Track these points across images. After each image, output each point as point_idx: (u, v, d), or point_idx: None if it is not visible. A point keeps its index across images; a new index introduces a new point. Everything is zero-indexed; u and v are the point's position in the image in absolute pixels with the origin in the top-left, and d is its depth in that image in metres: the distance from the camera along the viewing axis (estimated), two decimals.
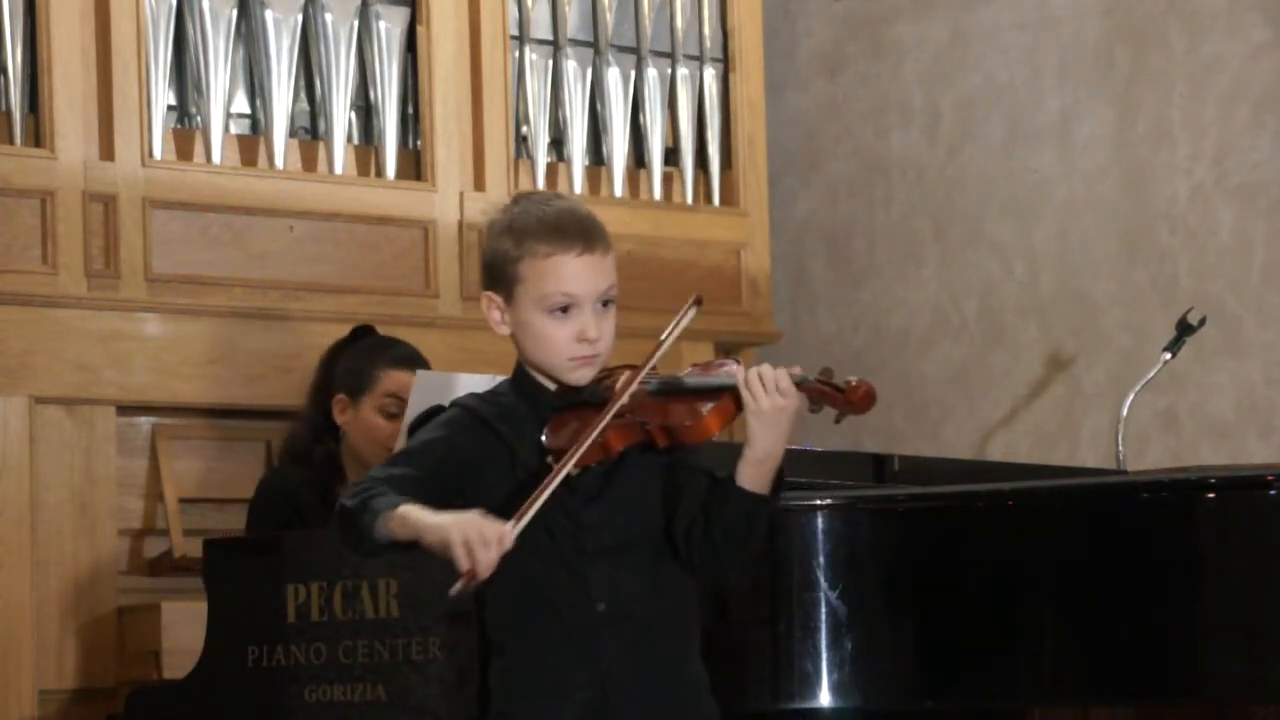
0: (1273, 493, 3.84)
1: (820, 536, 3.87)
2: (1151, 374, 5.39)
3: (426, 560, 3.89)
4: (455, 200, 6.23)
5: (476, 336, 6.12)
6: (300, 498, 4.67)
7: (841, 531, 3.91)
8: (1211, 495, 3.90)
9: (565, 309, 3.10)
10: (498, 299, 3.16)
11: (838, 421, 3.06)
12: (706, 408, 3.05)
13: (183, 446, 5.77)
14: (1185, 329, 5.40)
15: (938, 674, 3.94)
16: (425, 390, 4.21)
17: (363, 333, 4.93)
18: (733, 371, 3.07)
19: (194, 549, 5.10)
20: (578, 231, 3.11)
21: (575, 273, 3.10)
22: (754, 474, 3.05)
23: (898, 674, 3.93)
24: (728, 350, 6.65)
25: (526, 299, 3.12)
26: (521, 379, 3.19)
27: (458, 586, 2.95)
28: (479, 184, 6.28)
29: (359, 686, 4.01)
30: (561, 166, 6.57)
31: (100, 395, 5.60)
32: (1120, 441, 5.34)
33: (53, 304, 5.55)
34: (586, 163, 6.58)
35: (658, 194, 6.71)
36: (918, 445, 6.77)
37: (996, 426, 6.73)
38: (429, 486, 3.10)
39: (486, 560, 2.92)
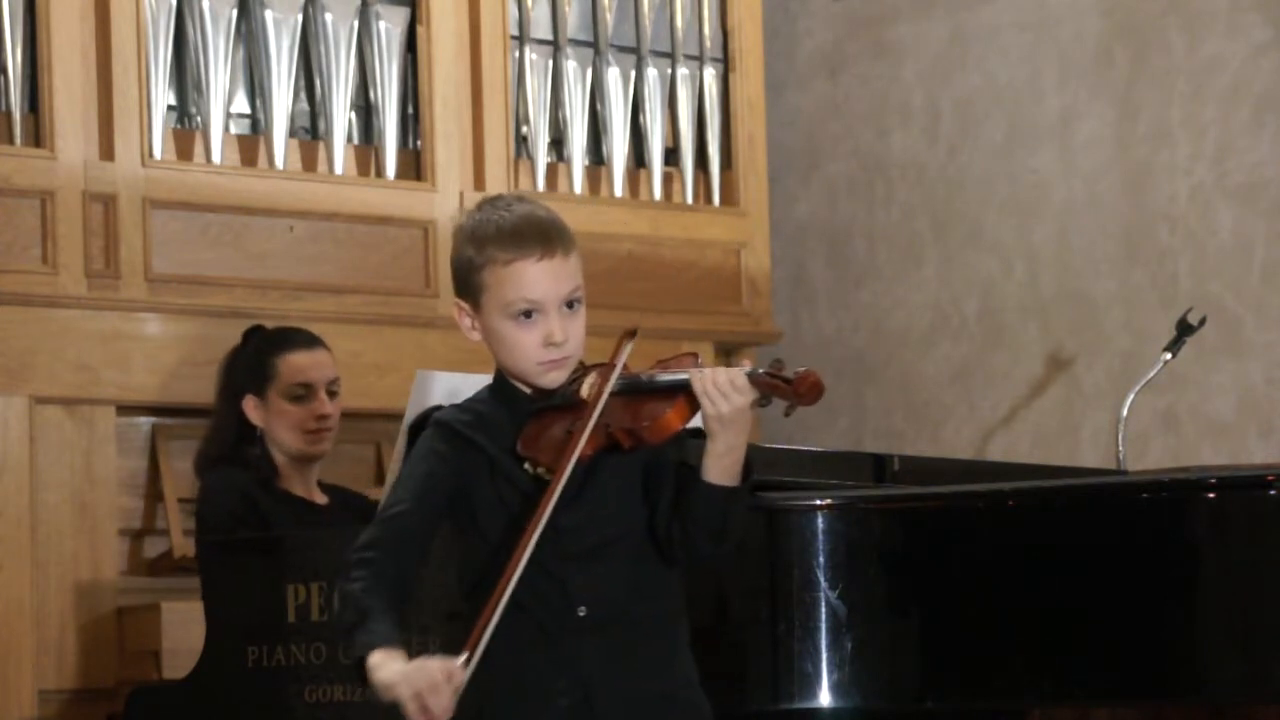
0: (1273, 493, 3.84)
1: (820, 536, 3.87)
2: (1151, 374, 5.39)
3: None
4: (455, 200, 6.23)
5: None
6: (250, 491, 4.68)
7: (841, 531, 3.90)
8: (1211, 495, 3.90)
9: (530, 314, 3.10)
10: (466, 306, 3.17)
11: (787, 414, 3.05)
12: (665, 407, 3.04)
13: (183, 446, 5.76)
14: (1185, 329, 5.40)
15: (938, 674, 3.94)
16: (425, 390, 4.20)
17: (254, 333, 4.97)
18: (689, 368, 3.06)
19: (194, 549, 5.10)
20: (536, 236, 3.10)
21: (536, 279, 3.09)
22: (718, 467, 3.04)
23: (898, 674, 3.93)
24: (728, 351, 6.66)
25: (492, 306, 3.12)
26: (500, 385, 3.20)
27: None
28: (479, 184, 6.28)
29: (359, 686, 4.01)
30: (561, 166, 6.57)
31: (100, 395, 5.60)
32: (1120, 441, 5.34)
33: (53, 304, 5.55)
34: (586, 163, 6.58)
35: (658, 194, 6.71)
36: (918, 445, 6.78)
37: (996, 426, 6.73)
38: (422, 519, 3.12)
39: (441, 705, 2.91)
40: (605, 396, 3.06)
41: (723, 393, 3.00)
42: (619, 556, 3.11)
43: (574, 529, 3.07)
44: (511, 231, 3.10)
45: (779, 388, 3.00)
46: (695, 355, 3.12)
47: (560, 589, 3.07)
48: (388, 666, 2.98)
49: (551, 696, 3.07)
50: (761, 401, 3.03)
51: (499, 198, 3.23)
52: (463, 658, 2.96)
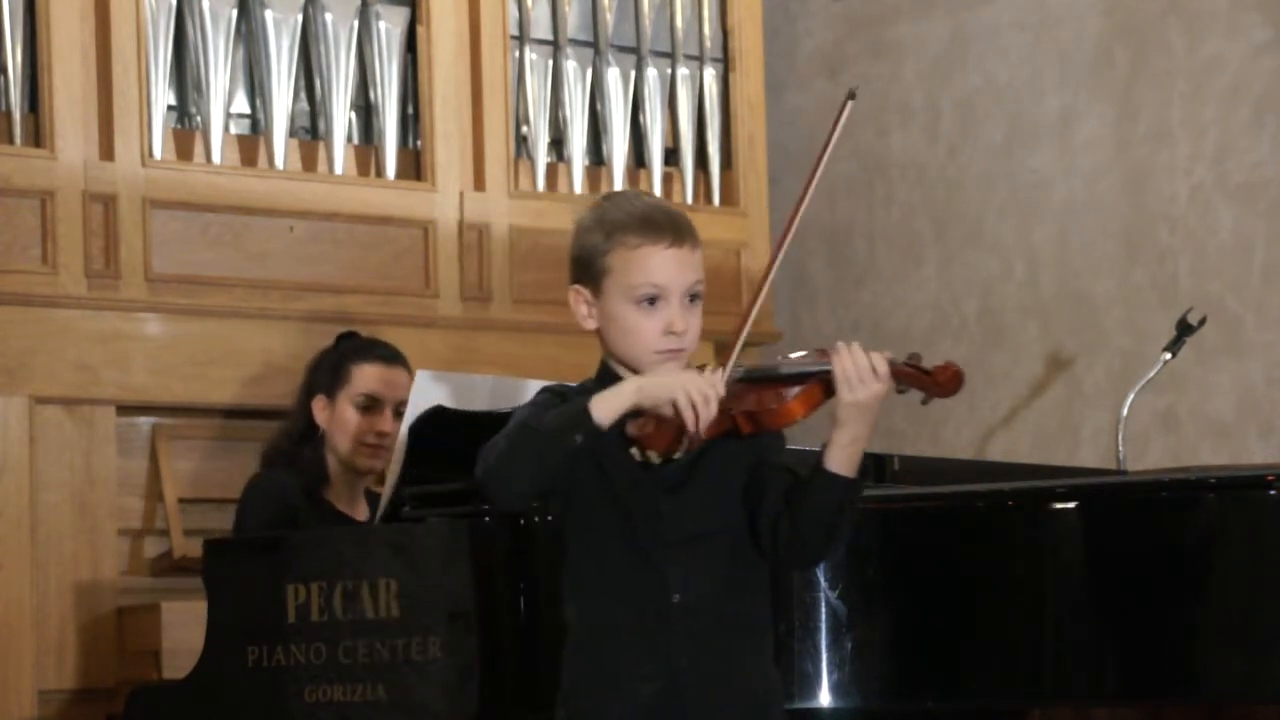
0: (1273, 493, 3.84)
1: None
2: (1151, 374, 5.39)
3: (426, 560, 3.91)
4: (455, 200, 6.23)
5: (476, 336, 6.13)
6: (292, 499, 4.68)
7: None
8: (1211, 495, 3.90)
9: (653, 300, 3.12)
10: (585, 293, 3.18)
11: (924, 403, 3.08)
12: (792, 392, 3.07)
13: (183, 446, 5.77)
14: (1185, 329, 5.39)
15: (938, 674, 3.94)
16: (425, 390, 4.20)
17: (347, 337, 4.97)
18: (823, 360, 3.07)
19: (194, 549, 5.10)
20: (668, 225, 3.15)
21: (663, 264, 3.13)
22: (842, 457, 3.07)
23: (898, 674, 3.93)
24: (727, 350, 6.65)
25: (615, 290, 3.14)
26: (606, 375, 3.20)
27: (685, 445, 3.01)
28: (479, 184, 6.28)
29: (359, 686, 4.01)
30: (561, 166, 6.57)
31: (100, 395, 5.60)
32: (1120, 441, 5.33)
33: (53, 304, 5.55)
34: (586, 163, 6.58)
35: (658, 194, 6.70)
36: (918, 445, 6.77)
37: (996, 426, 6.73)
38: None
39: (708, 415, 2.99)
40: (732, 363, 3.08)
41: (862, 378, 3.03)
42: (717, 550, 3.13)
43: (675, 516, 3.11)
44: (643, 218, 3.15)
45: (919, 378, 3.04)
46: (828, 350, 3.12)
47: (657, 574, 3.10)
48: (639, 378, 3.05)
49: (639, 682, 3.09)
50: (900, 388, 3.06)
51: (623, 191, 3.31)
52: (719, 373, 3.03)
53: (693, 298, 3.15)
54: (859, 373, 3.03)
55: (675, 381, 3.02)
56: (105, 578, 5.55)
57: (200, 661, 4.36)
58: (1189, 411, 6.27)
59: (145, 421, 5.76)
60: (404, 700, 3.95)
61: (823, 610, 3.87)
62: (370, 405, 4.77)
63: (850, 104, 3.13)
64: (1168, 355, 5.40)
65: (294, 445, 4.80)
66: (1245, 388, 6.17)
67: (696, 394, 2.99)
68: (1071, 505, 3.98)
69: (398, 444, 4.22)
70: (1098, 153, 6.54)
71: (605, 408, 3.03)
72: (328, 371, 4.84)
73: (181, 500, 5.66)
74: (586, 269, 3.17)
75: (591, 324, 3.19)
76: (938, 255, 6.93)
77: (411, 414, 4.17)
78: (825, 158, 3.13)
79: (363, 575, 4.02)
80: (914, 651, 3.93)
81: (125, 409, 5.68)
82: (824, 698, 3.87)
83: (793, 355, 3.17)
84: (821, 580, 3.88)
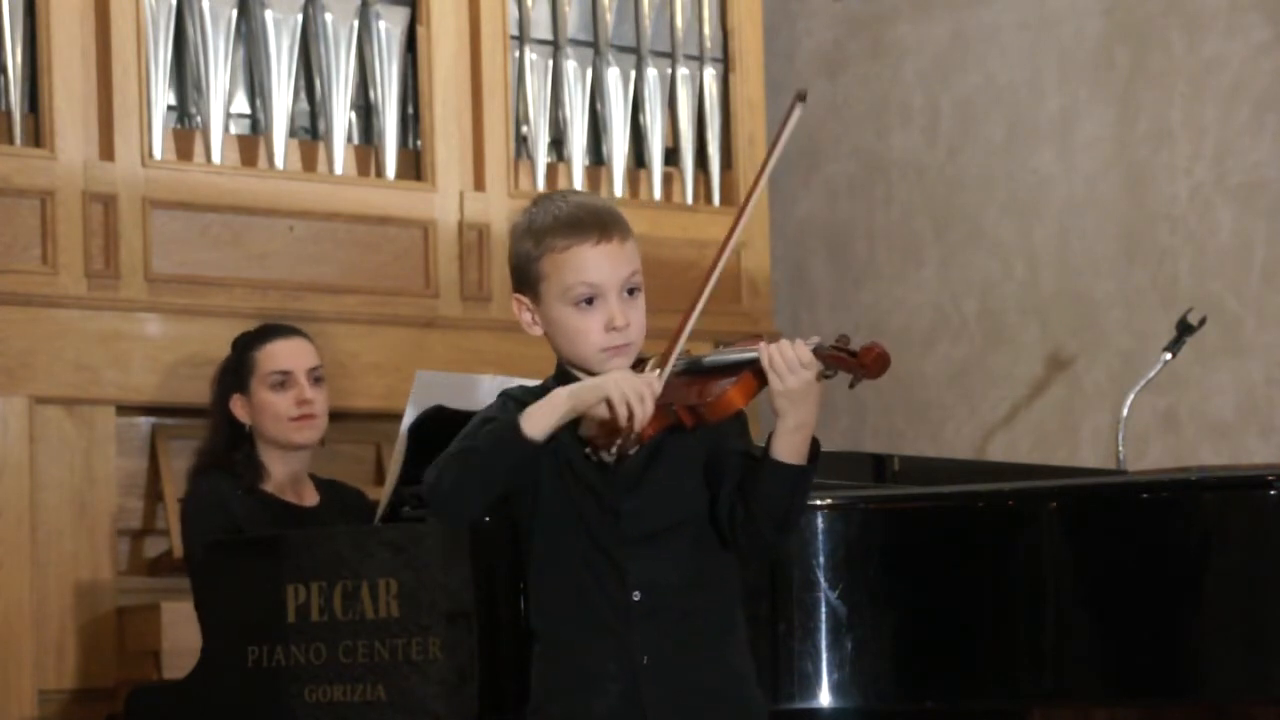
0: (1273, 493, 3.84)
1: (820, 536, 3.86)
2: (1151, 374, 5.39)
3: (426, 560, 3.91)
4: (455, 200, 6.23)
5: (476, 336, 6.13)
6: (233, 503, 4.63)
7: (841, 531, 3.90)
8: (1211, 495, 3.90)
9: (590, 300, 3.11)
10: (526, 300, 3.18)
11: (851, 386, 3.05)
12: (728, 383, 3.05)
13: (183, 446, 5.76)
14: (1185, 329, 5.40)
15: (938, 674, 3.94)
16: (425, 390, 4.20)
17: (239, 338, 4.90)
18: (755, 346, 3.06)
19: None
20: (593, 222, 3.12)
21: (595, 262, 3.11)
22: (788, 445, 3.05)
23: (898, 674, 3.93)
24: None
25: (551, 295, 3.13)
26: (562, 377, 3.19)
27: (619, 443, 3.00)
28: (479, 184, 6.29)
29: (359, 686, 4.01)
30: (561, 166, 6.58)
31: (100, 395, 5.61)
32: (1120, 441, 5.34)
33: (53, 304, 5.56)
34: (586, 163, 6.59)
35: (658, 194, 6.71)
36: (918, 445, 6.78)
37: (996, 426, 6.73)
38: None
39: (644, 413, 2.97)
40: (673, 358, 3.07)
41: (790, 367, 3.01)
42: (678, 543, 3.13)
43: (634, 513, 3.10)
44: (568, 219, 3.13)
45: (844, 360, 3.00)
46: (760, 336, 3.11)
47: (617, 573, 3.10)
48: (571, 386, 3.04)
49: (604, 681, 3.09)
50: (827, 373, 3.03)
51: (552, 193, 3.26)
52: (655, 373, 3.01)
53: (631, 290, 3.13)
54: (786, 363, 3.01)
55: (608, 382, 3.01)
56: (105, 578, 5.55)
57: (200, 661, 4.37)
58: (1189, 411, 6.27)
59: (145, 421, 5.77)
60: (404, 700, 3.95)
61: (823, 610, 3.87)
62: (284, 380, 4.73)
63: (800, 106, 3.11)
64: (1168, 355, 5.40)
65: (225, 452, 4.73)
66: (1245, 388, 6.17)
67: (631, 392, 2.98)
68: (1071, 505, 3.98)
69: (398, 444, 4.21)
70: (1098, 153, 6.55)
71: (539, 422, 3.02)
72: (233, 372, 4.77)
73: (181, 500, 5.65)
74: (524, 278, 3.16)
75: (537, 331, 3.18)
76: (938, 255, 6.93)
77: (411, 415, 4.17)
78: (774, 156, 3.11)
79: (362, 575, 4.01)
80: (914, 651, 3.93)
81: (125, 409, 5.68)
82: (824, 698, 3.87)
83: (726, 345, 3.16)
84: (821, 580, 3.88)
